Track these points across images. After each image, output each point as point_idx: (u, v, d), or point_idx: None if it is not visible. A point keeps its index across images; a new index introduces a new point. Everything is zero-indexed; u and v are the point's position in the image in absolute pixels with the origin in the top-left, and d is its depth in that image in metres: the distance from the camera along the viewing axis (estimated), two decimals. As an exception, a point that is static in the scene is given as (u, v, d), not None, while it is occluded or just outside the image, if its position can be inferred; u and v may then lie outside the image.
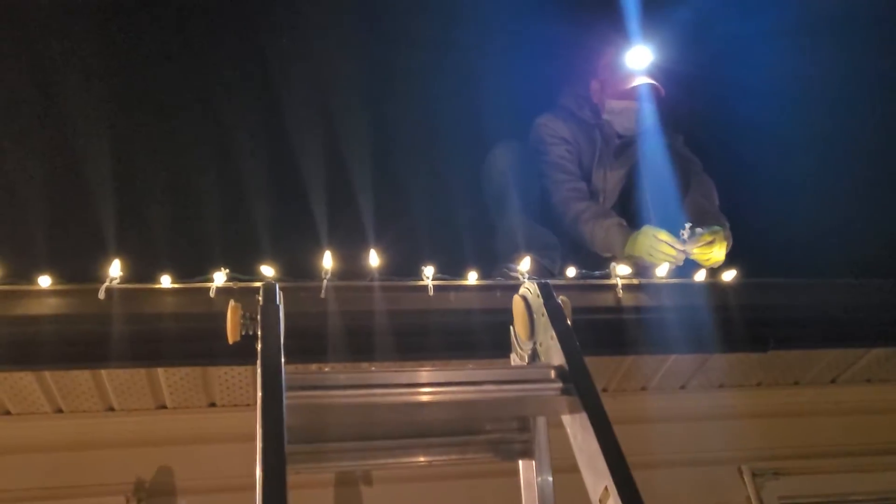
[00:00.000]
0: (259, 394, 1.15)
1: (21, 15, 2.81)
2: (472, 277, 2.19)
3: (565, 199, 2.72)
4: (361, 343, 2.05)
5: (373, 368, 2.10)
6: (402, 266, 2.18)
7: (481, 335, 2.05)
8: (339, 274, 2.09)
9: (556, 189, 2.75)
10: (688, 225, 2.41)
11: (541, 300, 1.35)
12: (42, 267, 1.96)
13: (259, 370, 1.17)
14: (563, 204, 2.72)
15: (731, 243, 2.52)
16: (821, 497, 2.48)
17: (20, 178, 2.60)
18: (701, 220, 2.52)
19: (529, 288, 1.40)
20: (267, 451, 1.05)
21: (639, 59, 2.79)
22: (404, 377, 1.29)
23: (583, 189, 2.78)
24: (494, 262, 2.54)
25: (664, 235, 2.42)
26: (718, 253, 2.42)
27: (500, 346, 1.60)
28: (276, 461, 1.05)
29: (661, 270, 2.36)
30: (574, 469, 1.32)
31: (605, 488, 1.09)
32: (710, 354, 2.36)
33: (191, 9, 3.05)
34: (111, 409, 2.26)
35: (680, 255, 2.39)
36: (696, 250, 2.41)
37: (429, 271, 2.12)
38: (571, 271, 2.27)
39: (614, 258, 2.50)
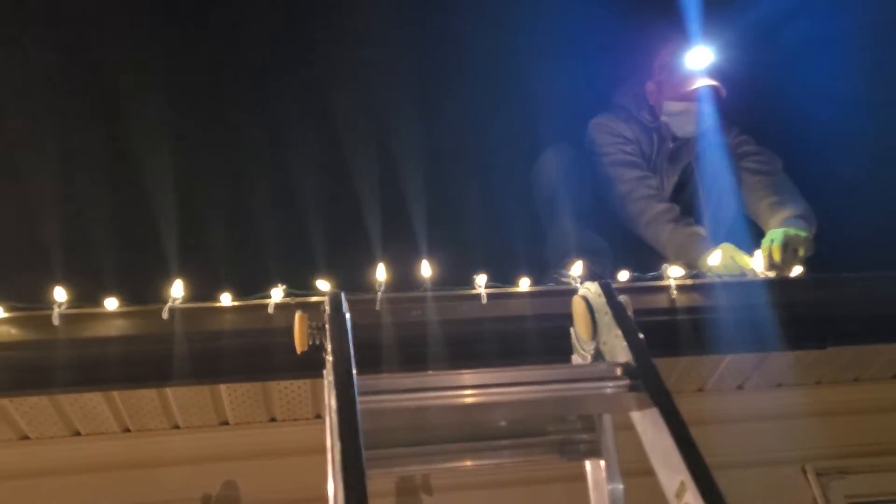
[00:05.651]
0: (333, 402, 1.17)
1: (103, 80, 2.97)
2: (524, 284, 2.20)
3: (644, 196, 2.69)
4: (416, 353, 2.08)
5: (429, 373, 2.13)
6: (453, 275, 2.20)
7: (535, 341, 2.07)
8: (393, 285, 2.12)
9: (632, 187, 2.71)
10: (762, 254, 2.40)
11: (603, 299, 1.36)
12: (108, 290, 2.03)
13: (333, 377, 1.20)
14: (643, 201, 2.68)
15: (813, 225, 2.49)
16: (889, 495, 2.41)
17: (88, 207, 2.71)
18: (771, 215, 2.48)
19: (590, 288, 1.41)
20: (346, 456, 1.07)
21: (699, 59, 2.74)
22: (470, 379, 1.30)
23: (659, 188, 2.74)
24: (544, 268, 2.55)
25: (741, 259, 2.39)
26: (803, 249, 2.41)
27: (554, 351, 1.60)
28: (356, 467, 1.06)
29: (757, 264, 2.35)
30: (639, 472, 1.33)
31: (682, 482, 1.09)
32: (767, 353, 2.34)
33: (245, 25, 3.14)
34: (177, 426, 2.32)
35: (750, 272, 2.37)
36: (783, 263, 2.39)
37: (481, 280, 2.14)
38: (623, 275, 2.27)
39: (667, 260, 2.49)
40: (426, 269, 2.15)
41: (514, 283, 2.21)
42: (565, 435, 1.43)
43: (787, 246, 2.38)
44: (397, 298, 2.12)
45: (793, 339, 2.20)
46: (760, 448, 2.41)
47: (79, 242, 2.53)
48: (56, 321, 1.94)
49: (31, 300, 1.95)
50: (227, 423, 2.35)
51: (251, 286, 2.11)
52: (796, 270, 2.37)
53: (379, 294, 2.08)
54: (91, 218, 2.68)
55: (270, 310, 2.06)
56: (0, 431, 2.19)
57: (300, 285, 2.11)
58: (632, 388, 1.24)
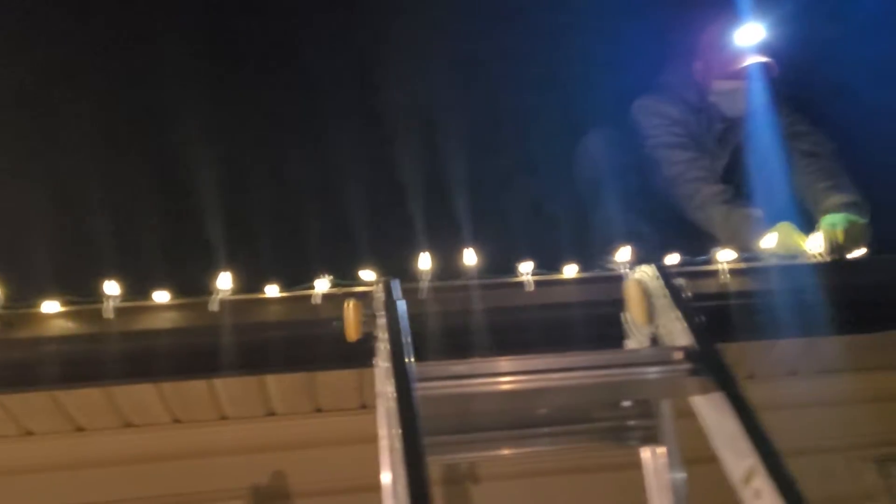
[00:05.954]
0: (390, 388, 1.16)
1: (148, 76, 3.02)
2: (569, 271, 2.17)
3: (696, 178, 2.63)
4: (461, 342, 2.06)
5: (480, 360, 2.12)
6: (496, 263, 2.18)
7: (583, 328, 2.04)
8: (437, 274, 2.11)
9: (683, 169, 2.65)
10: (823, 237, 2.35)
11: (660, 282, 1.33)
12: (158, 283, 2.05)
13: (390, 363, 1.19)
14: (694, 183, 2.63)
15: (867, 213, 2.44)
16: (952, 483, 2.35)
17: (138, 202, 2.76)
18: (825, 200, 2.42)
19: (647, 271, 1.38)
20: (407, 443, 1.06)
21: (748, 35, 2.63)
22: (523, 364, 1.29)
23: (711, 169, 2.68)
24: (590, 254, 2.51)
25: (798, 239, 2.35)
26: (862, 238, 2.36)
27: (603, 338, 1.59)
28: (418, 452, 1.05)
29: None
30: (695, 460, 1.30)
31: (750, 467, 1.06)
32: (820, 338, 2.28)
33: (288, 17, 3.15)
34: (225, 417, 2.34)
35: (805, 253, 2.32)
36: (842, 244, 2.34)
37: (526, 267, 2.11)
38: (673, 258, 2.22)
39: (718, 243, 2.44)
40: (471, 258, 2.13)
41: (559, 269, 2.18)
42: (620, 421, 1.41)
43: (848, 232, 2.33)
44: (442, 287, 2.10)
45: (848, 323, 2.14)
46: (816, 435, 2.35)
47: (130, 237, 2.57)
48: (108, 314, 1.96)
49: (84, 294, 1.98)
50: (274, 414, 2.37)
51: (296, 277, 2.12)
52: (857, 254, 2.31)
53: (424, 283, 2.07)
54: (141, 213, 2.73)
55: (317, 300, 2.06)
56: (55, 423, 2.23)
57: (342, 276, 2.11)
58: (693, 373, 1.22)
